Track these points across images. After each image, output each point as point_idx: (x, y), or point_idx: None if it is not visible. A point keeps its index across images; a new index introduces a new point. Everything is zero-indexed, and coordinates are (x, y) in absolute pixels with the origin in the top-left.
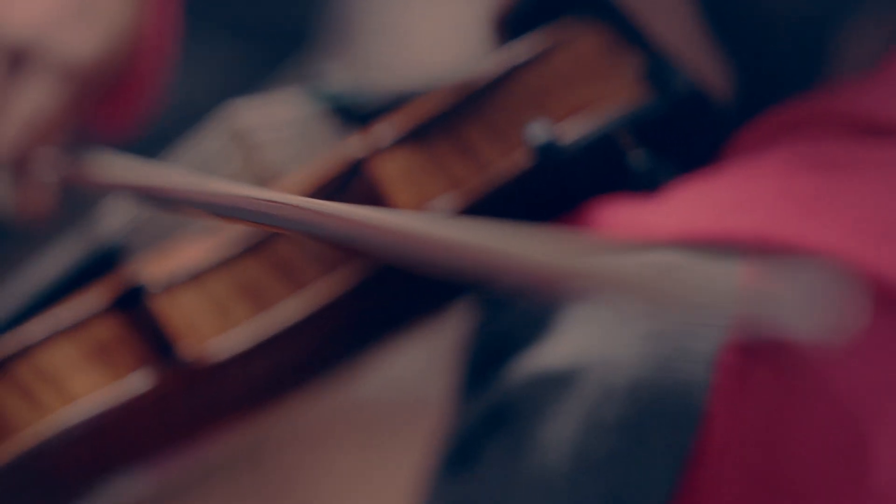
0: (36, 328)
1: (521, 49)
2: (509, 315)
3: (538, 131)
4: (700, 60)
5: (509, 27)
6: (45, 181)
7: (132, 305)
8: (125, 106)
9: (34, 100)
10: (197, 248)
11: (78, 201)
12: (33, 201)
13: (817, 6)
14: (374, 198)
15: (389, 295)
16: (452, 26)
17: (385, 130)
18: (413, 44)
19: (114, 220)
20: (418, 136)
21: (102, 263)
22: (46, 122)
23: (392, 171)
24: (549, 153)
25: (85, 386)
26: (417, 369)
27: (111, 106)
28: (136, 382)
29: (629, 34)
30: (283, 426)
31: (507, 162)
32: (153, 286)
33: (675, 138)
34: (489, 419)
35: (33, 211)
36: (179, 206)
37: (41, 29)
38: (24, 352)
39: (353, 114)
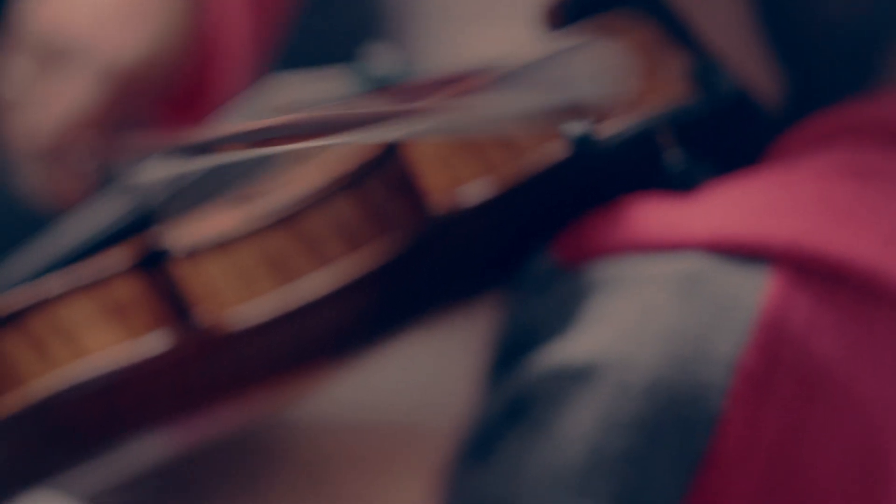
0: (55, 282)
1: (569, 39)
2: (536, 307)
3: (576, 123)
4: (749, 65)
5: (562, 15)
6: (83, 171)
7: (154, 267)
8: (194, 106)
9: (73, 96)
10: (225, 217)
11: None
12: (68, 190)
13: (873, 18)
14: (406, 178)
15: (416, 278)
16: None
17: None
18: (465, 32)
19: (148, 185)
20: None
21: (133, 228)
22: (83, 117)
23: (426, 152)
24: (584, 146)
25: (99, 343)
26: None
27: (178, 105)
28: (152, 343)
29: (678, 32)
30: (345, 453)
31: (543, 151)
32: (177, 250)
33: (715, 139)
34: (508, 411)
35: (67, 199)
36: (213, 146)
37: (86, 29)
38: (40, 304)
39: None
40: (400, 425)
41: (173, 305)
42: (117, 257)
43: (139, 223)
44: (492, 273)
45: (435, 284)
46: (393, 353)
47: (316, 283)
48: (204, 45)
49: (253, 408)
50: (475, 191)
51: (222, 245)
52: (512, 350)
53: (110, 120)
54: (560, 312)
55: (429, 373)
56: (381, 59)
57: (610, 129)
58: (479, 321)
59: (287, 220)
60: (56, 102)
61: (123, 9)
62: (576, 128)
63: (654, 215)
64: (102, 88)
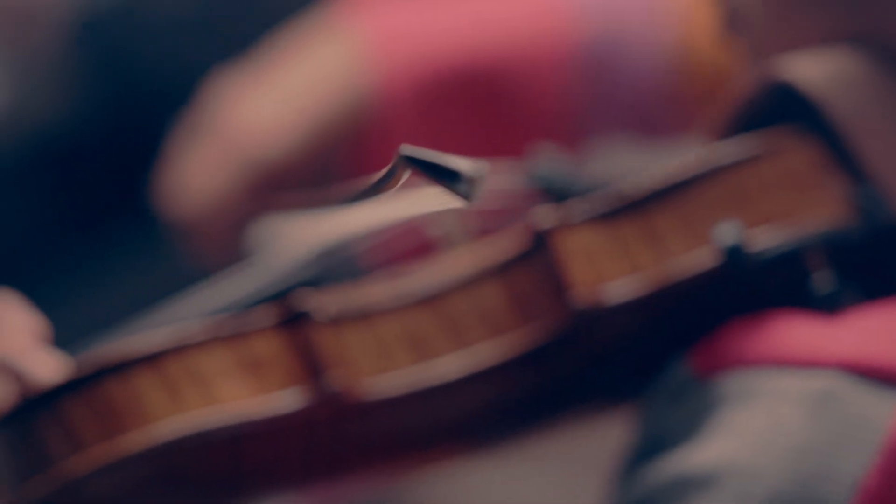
0: (197, 329)
1: (734, 149)
2: (668, 416)
3: (728, 233)
4: None
5: (734, 125)
6: (230, 243)
7: (295, 327)
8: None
9: (214, 185)
10: (373, 290)
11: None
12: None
13: None
14: (552, 270)
15: (553, 372)
16: None
17: (578, 206)
18: None
19: (297, 255)
20: (609, 216)
21: (283, 291)
22: (224, 202)
23: (575, 246)
24: (734, 257)
25: (231, 394)
26: None
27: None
28: (283, 401)
29: (842, 155)
30: None
31: (691, 257)
32: (321, 314)
33: (865, 265)
34: None
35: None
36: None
37: (240, 126)
38: (180, 348)
39: (563, 196)
40: None
41: (309, 366)
42: (261, 314)
43: (289, 287)
44: (628, 377)
45: (571, 381)
46: (522, 449)
47: (453, 366)
48: (368, 146)
49: (373, 482)
50: (620, 289)
51: (365, 316)
52: (640, 457)
53: (254, 206)
54: (691, 421)
55: (556, 476)
56: (548, 159)
57: (763, 242)
58: (613, 430)
59: (432, 300)
60: (199, 187)
61: (290, 109)
62: (728, 237)
63: (793, 331)
64: (244, 179)
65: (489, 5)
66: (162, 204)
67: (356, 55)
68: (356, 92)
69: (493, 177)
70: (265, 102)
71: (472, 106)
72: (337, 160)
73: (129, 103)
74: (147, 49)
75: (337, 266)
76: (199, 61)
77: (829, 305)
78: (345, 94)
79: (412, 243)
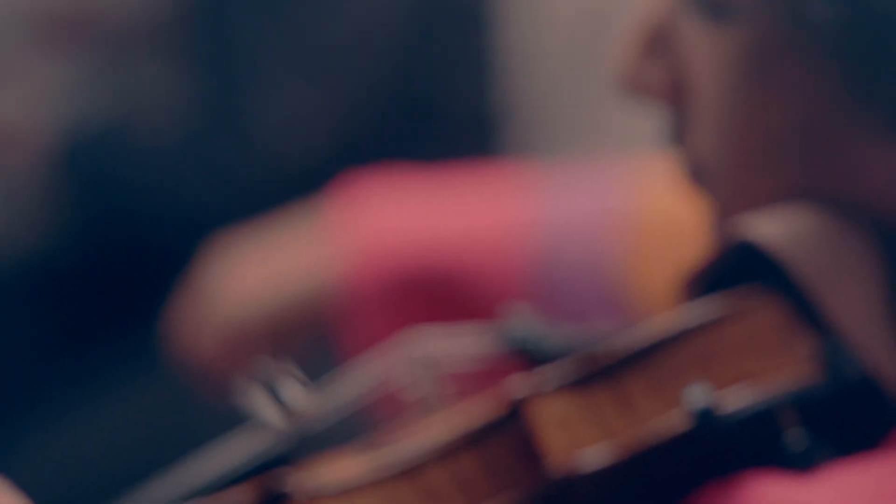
0: None
1: (700, 311)
2: None
3: (698, 396)
4: (878, 352)
5: (700, 284)
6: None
7: None
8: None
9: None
10: (349, 463)
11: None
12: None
13: None
14: (526, 438)
15: None
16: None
17: (550, 373)
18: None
19: (274, 427)
20: (582, 383)
21: (261, 468)
22: (204, 361)
23: (549, 415)
24: (705, 419)
25: None
26: None
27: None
28: None
29: (808, 313)
30: None
31: (664, 421)
32: (298, 493)
33: (837, 421)
34: None
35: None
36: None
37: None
38: None
39: (536, 357)
40: None
41: None
42: (239, 496)
43: (267, 463)
44: None
45: None
46: None
47: None
48: (336, 324)
49: None
50: (594, 456)
51: (345, 492)
52: None
53: (238, 362)
54: None
55: None
56: (521, 320)
57: (733, 403)
58: None
59: (410, 472)
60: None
61: (270, 273)
62: (698, 400)
63: (770, 492)
64: (222, 339)
65: (461, 216)
66: (166, 343)
67: (334, 246)
68: (324, 277)
69: (466, 339)
70: (249, 271)
71: (432, 302)
72: (305, 331)
73: (114, 228)
74: (131, 175)
75: (310, 438)
76: (183, 187)
77: (802, 463)
78: (313, 278)
79: (388, 407)
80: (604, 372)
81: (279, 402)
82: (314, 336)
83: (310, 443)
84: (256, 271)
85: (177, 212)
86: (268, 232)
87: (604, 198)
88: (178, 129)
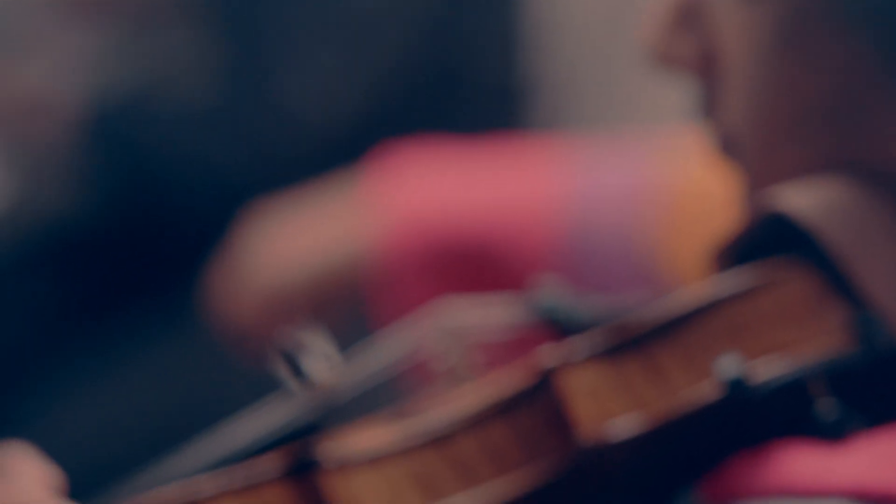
0: (206, 483)
1: (731, 282)
2: None
3: (729, 366)
4: None
5: (731, 256)
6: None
7: (303, 476)
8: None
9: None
10: (380, 432)
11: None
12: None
13: None
14: (556, 408)
15: None
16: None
17: (580, 343)
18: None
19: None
20: (613, 353)
21: (292, 435)
22: (243, 326)
23: (579, 384)
24: (736, 390)
25: None
26: None
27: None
28: None
29: (840, 284)
30: None
31: (694, 391)
32: (328, 461)
33: (869, 391)
34: None
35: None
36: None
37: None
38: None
39: (565, 328)
40: None
41: None
42: (270, 464)
43: (297, 432)
44: None
45: None
46: None
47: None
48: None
49: None
50: (625, 426)
51: (374, 461)
52: None
53: (273, 328)
54: None
55: None
56: (551, 291)
57: (764, 373)
58: None
59: (440, 441)
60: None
61: (309, 241)
62: (730, 370)
63: (799, 460)
64: (259, 302)
65: (494, 188)
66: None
67: (371, 216)
68: (361, 246)
69: (497, 310)
70: (288, 239)
71: (464, 272)
72: (342, 299)
73: (141, 195)
74: (158, 142)
75: (341, 407)
76: (210, 154)
77: (833, 433)
78: (350, 246)
79: (418, 377)
80: (634, 342)
81: (309, 371)
82: (350, 304)
83: (340, 411)
84: (295, 239)
85: (204, 179)
86: (306, 201)
87: (635, 170)
88: (206, 97)
